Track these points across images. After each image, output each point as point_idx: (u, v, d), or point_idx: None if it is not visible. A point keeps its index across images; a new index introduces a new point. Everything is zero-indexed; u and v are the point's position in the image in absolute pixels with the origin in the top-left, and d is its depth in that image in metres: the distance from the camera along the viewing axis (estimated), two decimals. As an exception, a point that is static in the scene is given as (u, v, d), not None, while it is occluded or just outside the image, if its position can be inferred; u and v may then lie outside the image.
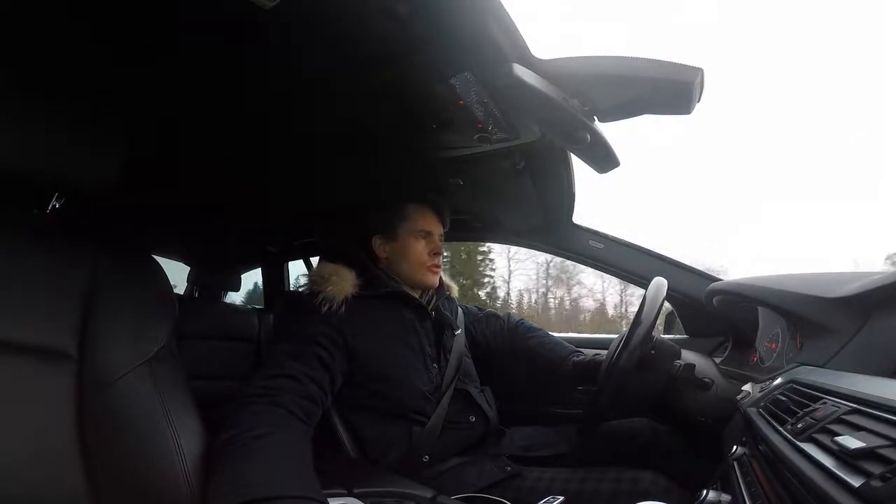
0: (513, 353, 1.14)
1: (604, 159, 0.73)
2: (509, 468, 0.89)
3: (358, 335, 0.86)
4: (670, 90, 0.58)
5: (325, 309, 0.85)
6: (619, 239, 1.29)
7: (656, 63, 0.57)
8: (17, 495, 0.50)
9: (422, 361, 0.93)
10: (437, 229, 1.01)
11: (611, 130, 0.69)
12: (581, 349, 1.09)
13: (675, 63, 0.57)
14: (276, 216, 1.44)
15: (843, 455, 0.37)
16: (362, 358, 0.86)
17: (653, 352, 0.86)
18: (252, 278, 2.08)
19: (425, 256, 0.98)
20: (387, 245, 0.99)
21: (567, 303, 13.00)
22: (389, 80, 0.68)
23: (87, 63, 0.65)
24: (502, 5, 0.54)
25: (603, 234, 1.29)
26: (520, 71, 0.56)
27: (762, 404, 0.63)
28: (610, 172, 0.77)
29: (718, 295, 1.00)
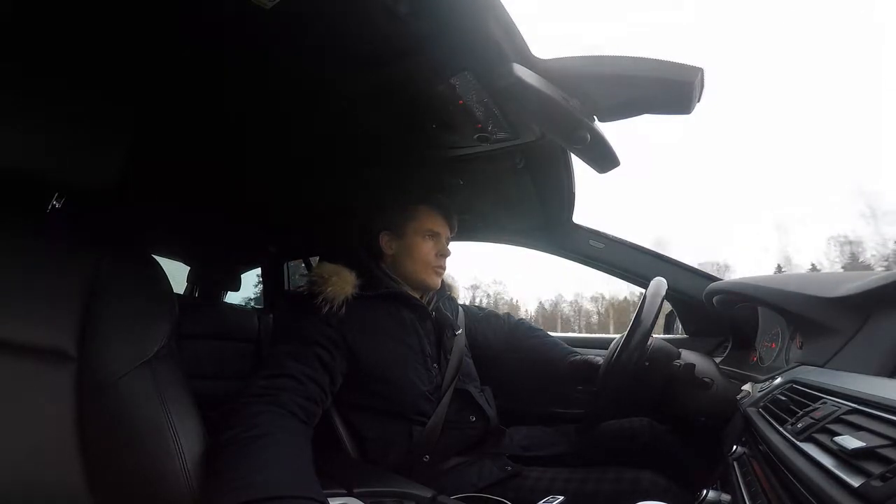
0: (512, 352, 1.14)
1: (604, 159, 0.73)
2: (509, 468, 0.88)
3: (358, 336, 0.86)
4: (670, 90, 0.58)
5: (326, 309, 0.85)
6: (619, 239, 1.29)
7: (656, 63, 0.57)
8: (17, 495, 0.50)
9: (422, 362, 0.92)
10: (445, 231, 1.01)
11: (611, 130, 0.69)
12: (578, 350, 1.09)
13: (676, 63, 0.57)
14: (276, 216, 1.44)
15: (842, 455, 0.37)
16: (362, 358, 0.86)
17: (647, 364, 0.86)
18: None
19: (432, 257, 0.98)
20: (394, 242, 0.99)
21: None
22: (390, 80, 0.68)
23: (87, 63, 0.65)
24: (502, 5, 0.54)
25: (603, 234, 1.29)
26: (520, 71, 0.56)
27: (762, 404, 0.63)
28: (610, 172, 0.77)
29: (718, 295, 1.00)
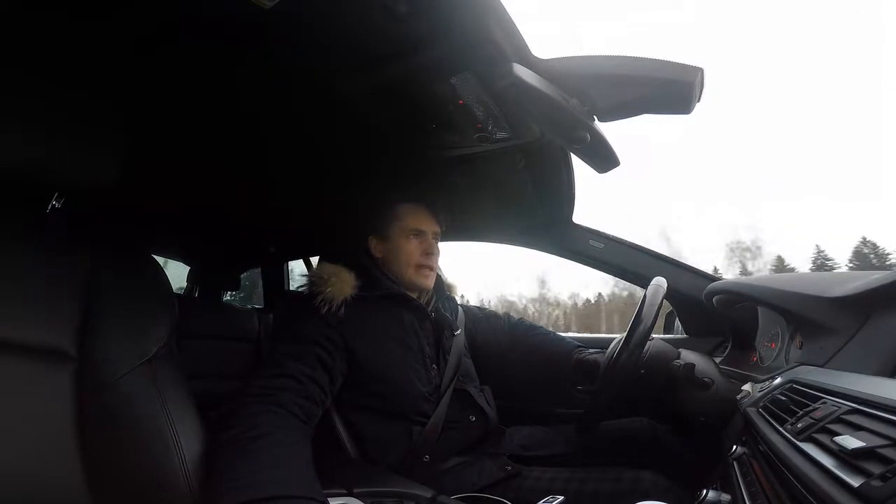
0: (514, 351, 1.14)
1: (604, 159, 0.73)
2: (509, 468, 0.89)
3: (357, 336, 0.86)
4: (670, 90, 0.58)
5: (325, 310, 0.85)
6: (619, 239, 1.29)
7: (656, 63, 0.57)
8: (17, 495, 0.50)
9: (421, 362, 0.92)
10: (431, 228, 0.99)
11: (611, 130, 0.69)
12: (584, 346, 1.09)
13: (676, 63, 0.57)
14: (276, 216, 1.44)
15: (842, 455, 0.37)
16: (361, 359, 0.86)
17: (642, 371, 0.86)
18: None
19: (417, 256, 0.96)
20: (381, 245, 0.99)
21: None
22: (390, 80, 0.68)
23: (87, 63, 0.65)
24: (502, 5, 0.54)
25: (603, 233, 1.29)
26: (520, 71, 0.56)
27: (762, 404, 0.63)
28: (610, 172, 0.77)
29: (718, 295, 1.00)
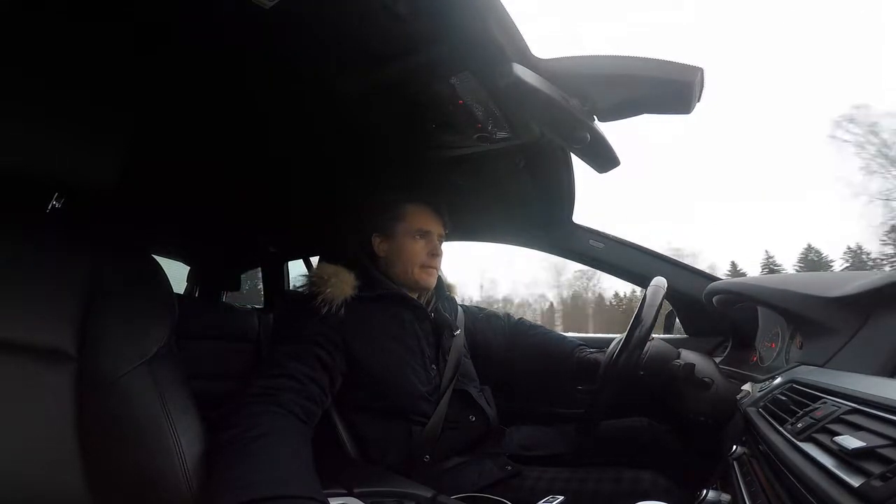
0: (514, 351, 1.14)
1: (604, 159, 0.73)
2: (510, 467, 0.89)
3: (357, 337, 0.86)
4: (670, 90, 0.58)
5: (325, 310, 0.85)
6: (619, 238, 1.29)
7: (656, 63, 0.57)
8: (17, 495, 0.50)
9: (420, 362, 0.92)
10: (436, 229, 1.00)
11: (611, 130, 0.69)
12: (585, 345, 1.09)
13: (676, 62, 0.57)
14: (276, 216, 1.44)
15: (842, 455, 0.37)
16: (361, 359, 0.86)
17: (641, 373, 0.86)
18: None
19: (423, 257, 0.97)
20: (385, 244, 0.99)
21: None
22: (389, 80, 0.68)
23: (87, 63, 0.65)
24: (502, 5, 0.54)
25: (603, 233, 1.29)
26: (520, 70, 0.56)
27: (762, 404, 0.63)
28: (610, 172, 0.77)
29: (718, 294, 1.00)
